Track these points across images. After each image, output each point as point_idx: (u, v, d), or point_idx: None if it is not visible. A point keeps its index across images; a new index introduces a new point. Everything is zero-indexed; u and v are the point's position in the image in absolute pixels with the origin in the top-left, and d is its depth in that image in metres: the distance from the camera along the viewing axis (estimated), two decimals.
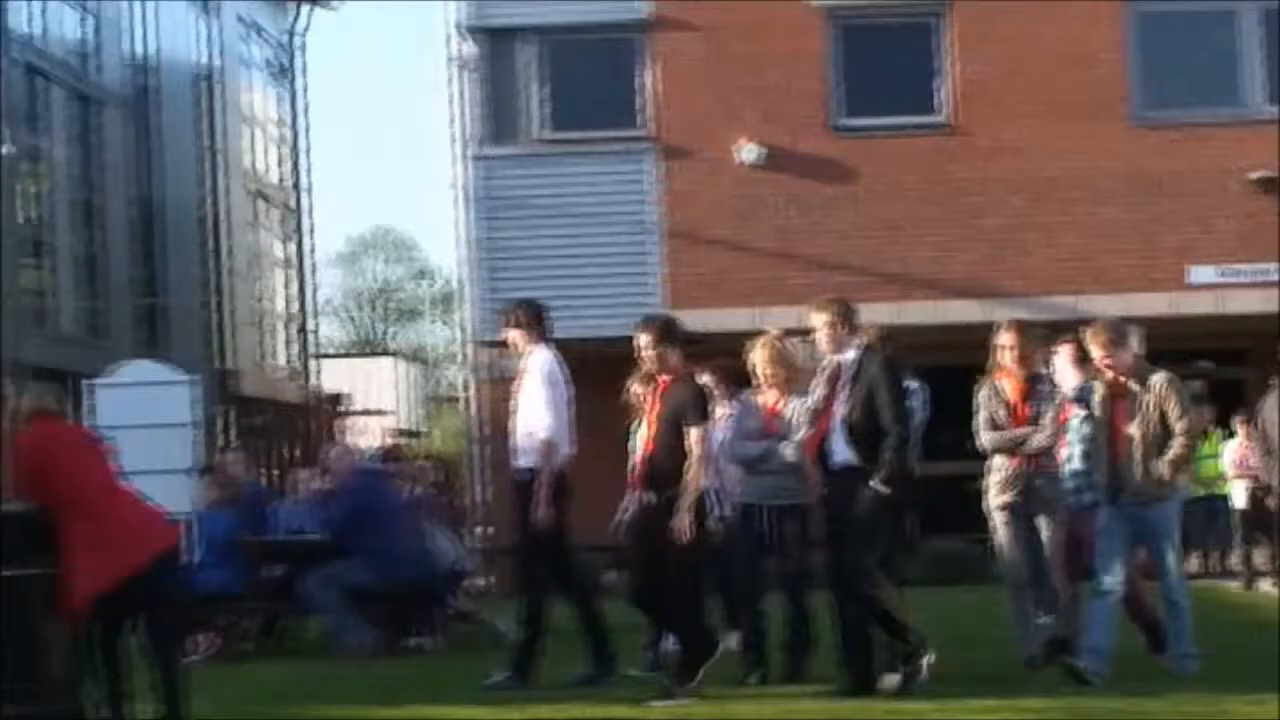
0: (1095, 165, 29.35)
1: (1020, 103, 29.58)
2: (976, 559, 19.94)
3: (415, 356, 78.99)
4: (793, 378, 13.72)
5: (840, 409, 12.77)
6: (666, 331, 13.24)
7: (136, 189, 46.26)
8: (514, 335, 14.87)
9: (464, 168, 31.12)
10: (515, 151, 30.83)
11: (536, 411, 14.25)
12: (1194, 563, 28.37)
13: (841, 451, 12.70)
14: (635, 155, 30.76)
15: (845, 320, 13.11)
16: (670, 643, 15.13)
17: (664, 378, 13.07)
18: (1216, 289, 29.03)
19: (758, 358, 13.55)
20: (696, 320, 27.87)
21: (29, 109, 39.85)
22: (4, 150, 35.82)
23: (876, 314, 16.37)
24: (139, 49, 47.22)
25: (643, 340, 13.23)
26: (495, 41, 30.81)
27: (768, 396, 13.63)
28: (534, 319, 14.81)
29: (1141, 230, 29.38)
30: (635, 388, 13.96)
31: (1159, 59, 30.10)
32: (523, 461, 14.17)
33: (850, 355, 12.96)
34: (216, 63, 52.50)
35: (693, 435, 12.63)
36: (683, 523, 12.37)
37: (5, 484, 11.90)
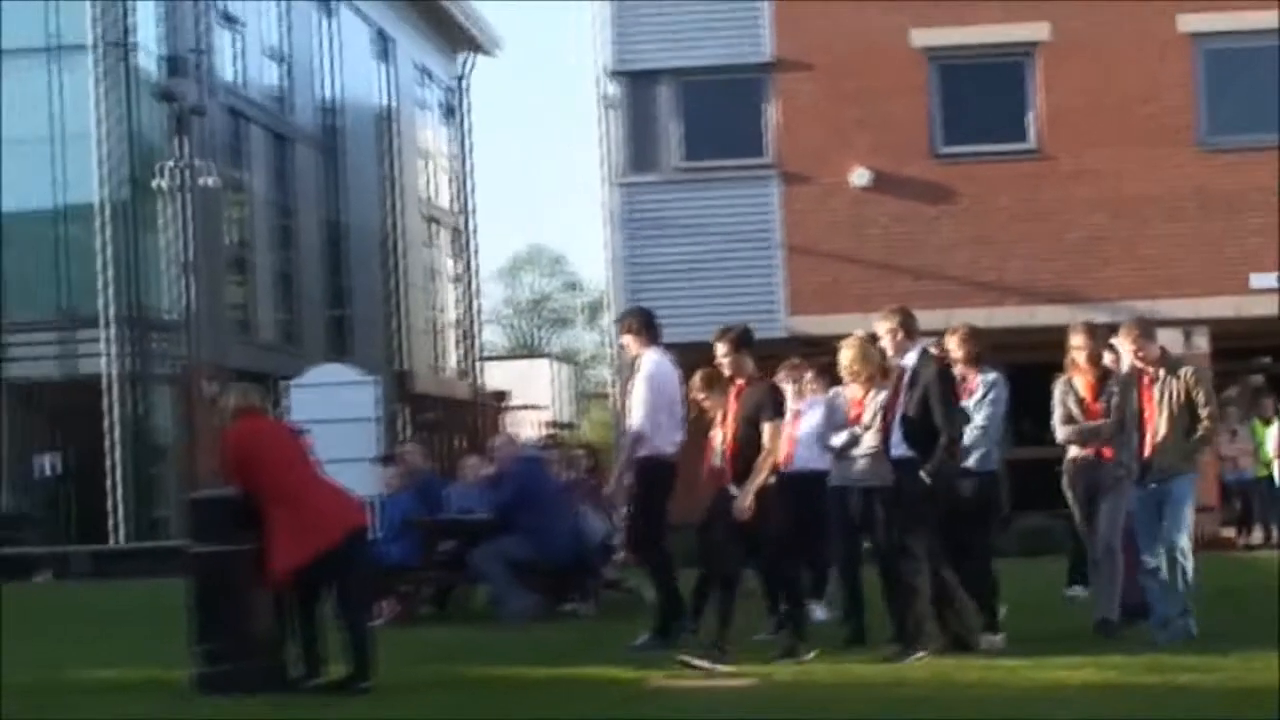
0: (1166, 185, 29.12)
1: (1100, 131, 29.34)
2: (1061, 533, 19.76)
3: (567, 358, 79.00)
4: (876, 374, 13.53)
5: (899, 407, 12.82)
6: (741, 340, 13.15)
7: (326, 215, 46.61)
8: (627, 340, 14.97)
9: (610, 193, 31.16)
10: (654, 179, 30.84)
11: (634, 407, 14.40)
12: (1257, 535, 28.22)
13: (898, 445, 12.74)
14: (760, 180, 30.72)
15: (905, 327, 13.07)
16: (821, 611, 15.24)
17: (740, 381, 13.03)
18: (1275, 293, 28.68)
19: (845, 356, 13.52)
20: (814, 324, 28.06)
21: (233, 146, 40.25)
22: (211, 183, 36.18)
23: (973, 318, 16.34)
24: (328, 93, 47.54)
25: (719, 349, 13.14)
26: (637, 82, 30.84)
27: (854, 391, 13.53)
28: (645, 325, 14.87)
29: (1208, 242, 29.08)
30: (698, 394, 13.96)
31: (1221, 90, 29.81)
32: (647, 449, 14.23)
33: (910, 359, 12.96)
34: (395, 104, 52.79)
35: (766, 430, 12.59)
36: (744, 502, 12.39)
37: (215, 472, 12.08)
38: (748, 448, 12.68)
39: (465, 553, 18.08)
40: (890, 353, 13.13)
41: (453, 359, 57.90)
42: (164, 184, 36.38)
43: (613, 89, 31.07)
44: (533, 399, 61.86)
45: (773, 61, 30.53)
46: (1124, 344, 13.05)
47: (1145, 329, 13.25)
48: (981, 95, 30.55)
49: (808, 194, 30.43)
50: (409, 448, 25.51)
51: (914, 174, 30.15)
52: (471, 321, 59.89)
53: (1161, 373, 12.86)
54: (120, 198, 36.66)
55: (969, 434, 13.08)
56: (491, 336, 66.12)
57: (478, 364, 58.59)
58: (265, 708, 11.07)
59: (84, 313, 36.57)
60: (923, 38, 30.28)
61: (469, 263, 60.88)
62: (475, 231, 61.36)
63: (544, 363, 72.54)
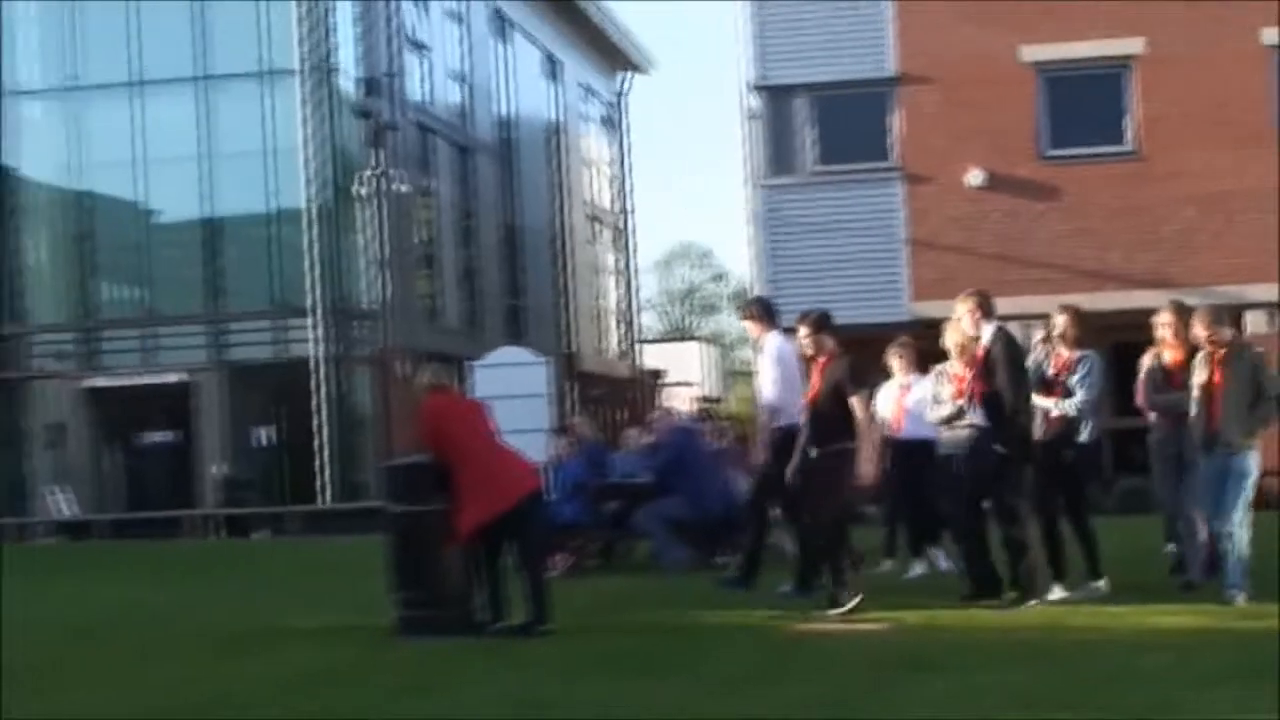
0: (1251, 181, 28.67)
1: (1191, 134, 28.98)
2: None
3: (715, 341, 78.92)
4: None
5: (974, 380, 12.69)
6: (820, 323, 13.05)
7: (502, 216, 46.85)
8: (750, 325, 14.95)
9: (752, 194, 31.21)
10: (792, 181, 30.79)
11: (764, 384, 14.36)
12: None
13: (974, 414, 12.59)
14: (885, 181, 30.61)
15: (982, 308, 12.96)
16: (943, 562, 15.11)
17: (822, 358, 12.89)
18: None
19: (949, 337, 13.35)
20: (934, 309, 27.72)
21: (421, 157, 40.50)
22: (403, 189, 36.41)
23: (1075, 302, 16.02)
24: (503, 110, 47.78)
25: (801, 331, 13.12)
26: (776, 96, 30.80)
27: (957, 367, 13.14)
28: (765, 312, 14.86)
29: None
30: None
31: None
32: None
33: (986, 336, 12.80)
34: (562, 118, 53.03)
35: (855, 401, 12.47)
36: (866, 469, 12.30)
37: (409, 441, 12.15)
38: (828, 416, 12.57)
39: (628, 512, 18.16)
40: (970, 330, 12.95)
41: (614, 342, 58.07)
42: (362, 191, 36.67)
43: (755, 102, 31.05)
44: (684, 377, 61.98)
45: (896, 76, 30.44)
46: (1198, 328, 12.74)
47: (1216, 314, 12.97)
48: (1083, 103, 30.24)
49: (928, 193, 30.30)
50: (578, 420, 25.72)
51: (1023, 174, 29.97)
52: (630, 308, 60.11)
53: (1229, 353, 12.54)
54: (324, 203, 37.02)
55: (1074, 408, 12.88)
56: (648, 322, 66.32)
57: (636, 346, 58.78)
58: (456, 649, 11.11)
59: (294, 304, 36.96)
60: (1031, 53, 30.01)
61: (628, 257, 61.05)
62: (633, 229, 61.51)
63: (694, 345, 72.69)
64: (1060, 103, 30.17)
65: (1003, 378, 12.47)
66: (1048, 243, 29.56)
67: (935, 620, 11.67)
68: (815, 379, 12.87)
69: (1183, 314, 13.36)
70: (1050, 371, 13.11)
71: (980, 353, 12.78)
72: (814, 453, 12.62)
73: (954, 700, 8.10)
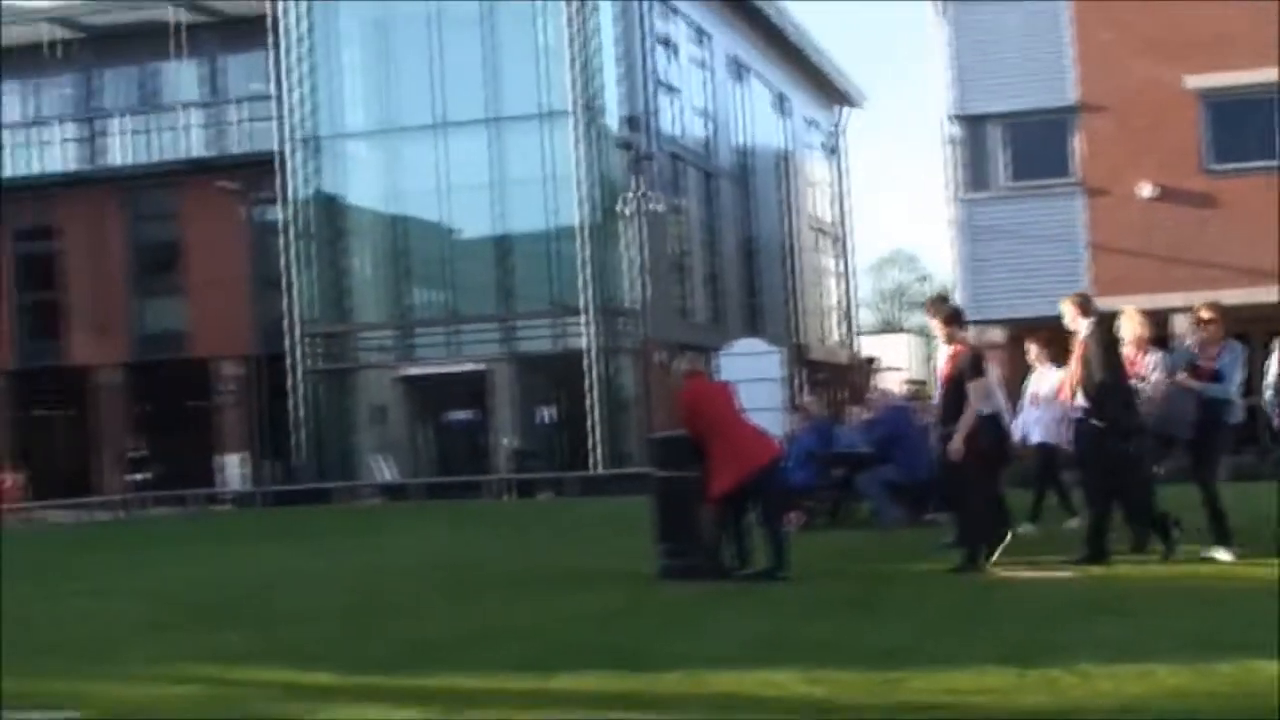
0: None
1: None
2: None
3: (921, 333, 78.18)
4: (1147, 340, 12.94)
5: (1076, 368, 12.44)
6: (952, 317, 12.78)
7: (741, 230, 46.90)
8: (935, 323, 14.62)
9: (953, 207, 30.96)
10: (987, 195, 30.49)
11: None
12: None
13: (1079, 399, 12.34)
14: (1068, 195, 30.20)
15: (1081, 307, 12.61)
16: (1075, 522, 14.72)
17: (954, 348, 12.55)
18: None
19: (1125, 328, 12.88)
20: (1112, 305, 27.37)
21: (673, 182, 40.64)
22: (658, 209, 36.62)
23: (1234, 297, 15.65)
24: (741, 140, 47.79)
25: (935, 323, 12.94)
26: (972, 123, 30.50)
27: (1129, 351, 12.68)
28: (953, 314, 14.58)
29: None
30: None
31: None
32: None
33: (1084, 331, 12.43)
34: (789, 147, 52.92)
35: (969, 388, 12.08)
36: (957, 445, 11.92)
37: (669, 418, 12.29)
38: (954, 400, 12.25)
39: (851, 478, 18.11)
40: (1070, 325, 12.63)
41: (835, 334, 57.89)
42: (625, 210, 36.93)
43: (954, 129, 30.79)
44: (895, 363, 61.71)
45: (1077, 104, 30.04)
46: None
47: None
48: (1239, 125, 29.53)
49: (1106, 204, 29.86)
50: (808, 400, 25.70)
51: (1188, 186, 29.43)
52: (848, 305, 59.90)
53: None
54: (594, 221, 37.33)
55: (1220, 392, 12.16)
56: (863, 317, 65.76)
57: (854, 337, 58.47)
58: (709, 591, 11.18)
59: (570, 304, 37.34)
60: (1193, 82, 29.38)
61: (846, 262, 60.83)
62: (850, 239, 61.36)
63: (903, 336, 72.42)
64: (1219, 123, 29.59)
65: (1095, 367, 12.15)
66: (1209, 245, 28.91)
67: (1113, 570, 11.45)
68: (946, 367, 12.58)
69: None
70: (1199, 359, 12.38)
71: (1081, 345, 12.47)
72: (949, 431, 12.23)
73: (1129, 640, 7.96)
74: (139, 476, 39.49)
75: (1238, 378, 12.37)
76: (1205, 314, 12.53)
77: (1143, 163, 29.52)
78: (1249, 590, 10.21)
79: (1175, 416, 12.28)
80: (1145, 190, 29.45)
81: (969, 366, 12.30)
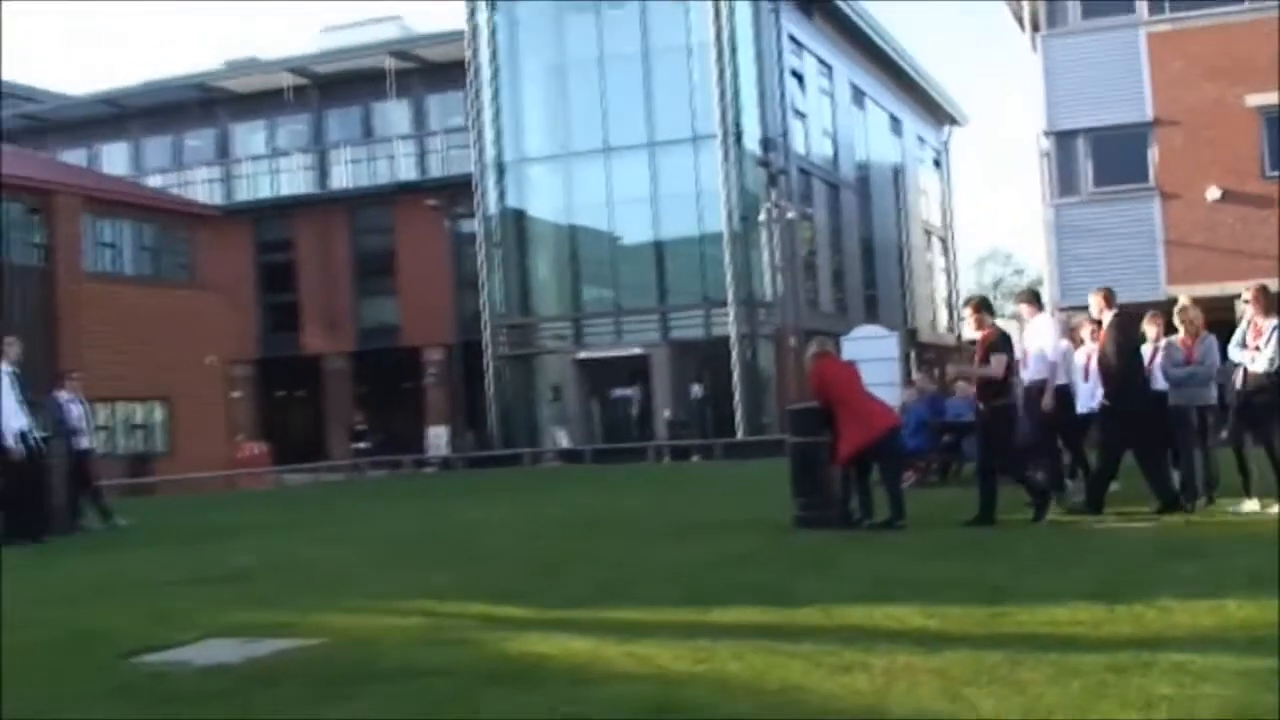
0: None
1: None
2: None
3: (1015, 319, 77.07)
4: (1201, 327, 12.30)
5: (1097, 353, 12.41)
6: (980, 306, 12.35)
7: (861, 233, 46.63)
8: (1022, 308, 14.26)
9: (1045, 210, 30.51)
10: (1075, 199, 29.99)
11: (1041, 348, 13.41)
12: None
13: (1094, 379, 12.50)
14: (1146, 198, 29.66)
15: (1106, 300, 12.33)
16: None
17: (983, 332, 12.12)
18: None
19: (1178, 316, 12.49)
20: (1184, 291, 26.91)
21: (803, 193, 40.46)
22: (791, 217, 36.47)
23: None
24: (861, 157, 47.48)
25: (966, 312, 12.65)
26: (1062, 138, 30.04)
27: (1185, 338, 12.25)
28: (1034, 299, 14.20)
29: None
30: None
31: None
32: (1030, 377, 13.17)
33: (1107, 320, 12.16)
34: (903, 161, 52.48)
35: (993, 361, 11.64)
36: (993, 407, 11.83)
37: (801, 393, 12.22)
38: (990, 376, 11.83)
39: (958, 443, 17.91)
40: (1095, 315, 12.52)
41: (943, 320, 57.22)
42: (763, 219, 36.86)
43: (1046, 142, 30.36)
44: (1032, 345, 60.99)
45: (1153, 120, 29.48)
46: None
47: None
48: None
49: (1179, 205, 29.34)
50: (920, 376, 25.43)
51: (1250, 190, 28.82)
52: (953, 297, 59.15)
53: None
54: (737, 228, 37.30)
55: (1265, 363, 11.37)
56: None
57: (958, 323, 57.69)
58: (837, 538, 11.12)
59: (717, 298, 37.36)
60: (1253, 100, 28.83)
61: (951, 259, 60.14)
62: (955, 239, 60.62)
63: (1001, 322, 71.06)
64: (1276, 135, 28.96)
65: (1111, 352, 11.91)
66: (1269, 240, 28.22)
67: (1189, 519, 11.18)
68: (980, 349, 12.16)
69: None
70: (1249, 337, 11.62)
71: (1103, 334, 12.26)
72: (983, 405, 11.90)
73: (1203, 578, 7.78)
74: (361, 445, 40.27)
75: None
76: (1250, 296, 11.79)
77: (1210, 170, 29.08)
78: None
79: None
80: (1212, 193, 29.01)
81: (999, 345, 11.94)
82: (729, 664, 5.91)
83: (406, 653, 6.49)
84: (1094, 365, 13.16)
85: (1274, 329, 11.39)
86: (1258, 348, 11.39)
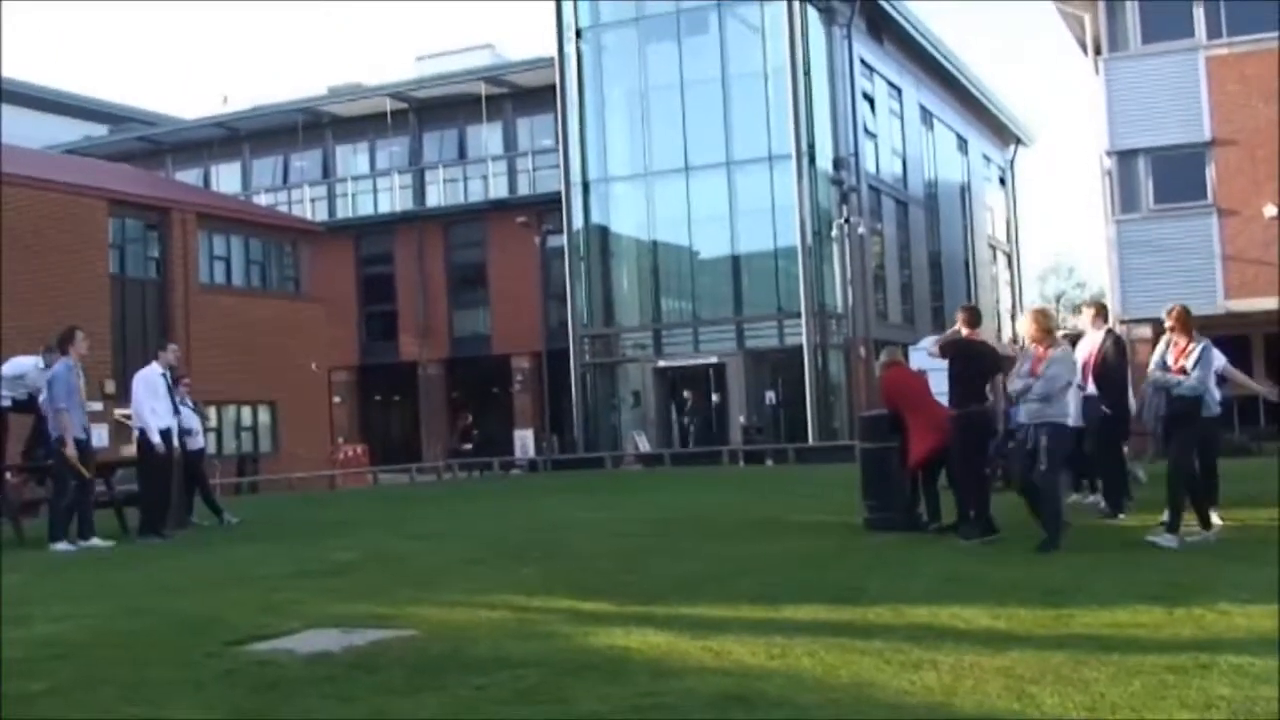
0: None
1: None
2: None
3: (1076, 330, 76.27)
4: (1191, 332, 10.62)
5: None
6: (972, 319, 11.68)
7: (929, 247, 46.33)
8: (1087, 316, 13.72)
9: (1108, 225, 30.16)
10: (1136, 216, 29.54)
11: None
12: None
13: (1089, 387, 12.52)
14: (1204, 215, 29.14)
15: (1100, 315, 12.70)
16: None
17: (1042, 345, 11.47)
18: None
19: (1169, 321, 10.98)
20: (1241, 305, 26.75)
21: (874, 210, 40.30)
22: (862, 231, 36.27)
23: None
24: (929, 175, 47.17)
25: (960, 318, 11.67)
26: (1124, 157, 29.62)
27: (1178, 345, 10.56)
28: (1102, 312, 13.69)
29: None
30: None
31: None
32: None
33: (1100, 335, 12.44)
34: (969, 179, 52.05)
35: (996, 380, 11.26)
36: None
37: (872, 400, 12.15)
38: (969, 385, 11.28)
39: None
40: (1088, 328, 12.66)
41: (1007, 330, 56.62)
42: (835, 233, 36.71)
43: (1109, 161, 29.99)
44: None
45: (1211, 140, 29.02)
46: None
47: None
48: None
49: (1236, 222, 28.83)
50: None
51: None
52: (1017, 308, 58.55)
53: None
54: (810, 243, 37.17)
55: (1188, 388, 10.21)
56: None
57: (1022, 334, 57.19)
58: (905, 539, 11.04)
59: (791, 309, 37.24)
60: None
61: (1016, 273, 59.49)
62: (1020, 253, 60.00)
63: (1061, 334, 70.22)
64: None
65: (1109, 365, 12.13)
66: None
67: (1243, 524, 10.96)
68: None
69: None
70: (1172, 358, 10.45)
71: (1097, 346, 12.37)
72: (955, 413, 11.16)
73: (1260, 583, 7.63)
74: (468, 446, 40.73)
75: (1206, 375, 10.55)
76: (1171, 317, 10.73)
77: (1266, 188, 28.62)
78: None
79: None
80: (1269, 210, 28.53)
81: (992, 362, 11.65)
82: (802, 659, 5.89)
83: (496, 644, 6.52)
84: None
85: (1199, 350, 10.46)
86: (1182, 369, 10.39)
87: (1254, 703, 4.85)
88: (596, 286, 40.27)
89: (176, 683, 5.93)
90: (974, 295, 50.36)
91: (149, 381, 14.67)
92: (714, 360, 38.35)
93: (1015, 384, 10.56)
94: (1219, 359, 11.28)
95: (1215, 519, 10.77)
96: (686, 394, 39.00)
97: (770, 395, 38.17)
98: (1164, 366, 10.52)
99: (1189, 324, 10.58)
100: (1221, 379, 11.71)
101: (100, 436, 21.77)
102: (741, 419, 37.53)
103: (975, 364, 11.32)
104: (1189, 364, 10.32)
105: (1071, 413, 11.27)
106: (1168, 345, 10.63)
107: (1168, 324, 10.61)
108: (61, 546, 13.03)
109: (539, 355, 42.08)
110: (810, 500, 17.29)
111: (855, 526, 12.04)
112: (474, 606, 7.94)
